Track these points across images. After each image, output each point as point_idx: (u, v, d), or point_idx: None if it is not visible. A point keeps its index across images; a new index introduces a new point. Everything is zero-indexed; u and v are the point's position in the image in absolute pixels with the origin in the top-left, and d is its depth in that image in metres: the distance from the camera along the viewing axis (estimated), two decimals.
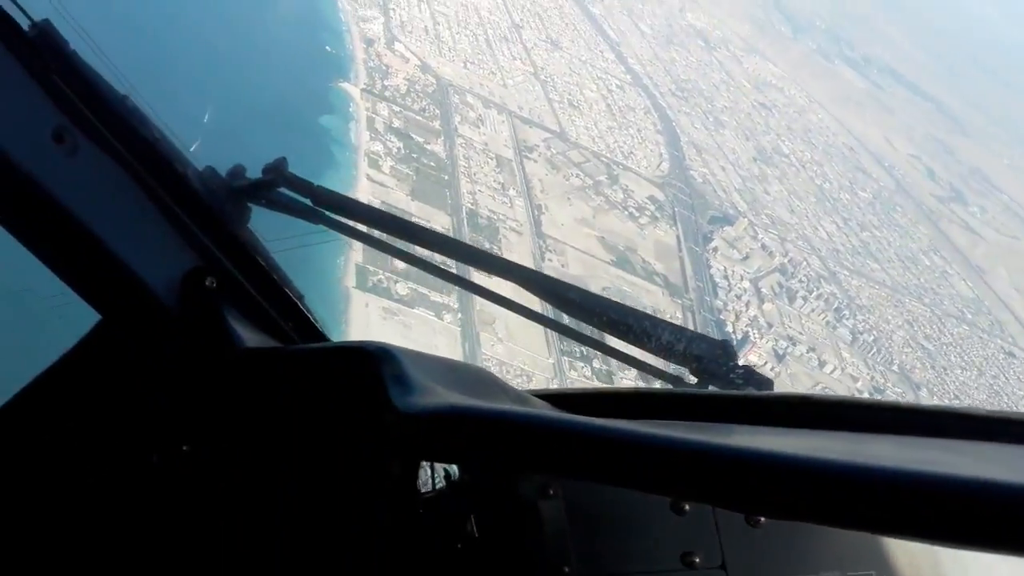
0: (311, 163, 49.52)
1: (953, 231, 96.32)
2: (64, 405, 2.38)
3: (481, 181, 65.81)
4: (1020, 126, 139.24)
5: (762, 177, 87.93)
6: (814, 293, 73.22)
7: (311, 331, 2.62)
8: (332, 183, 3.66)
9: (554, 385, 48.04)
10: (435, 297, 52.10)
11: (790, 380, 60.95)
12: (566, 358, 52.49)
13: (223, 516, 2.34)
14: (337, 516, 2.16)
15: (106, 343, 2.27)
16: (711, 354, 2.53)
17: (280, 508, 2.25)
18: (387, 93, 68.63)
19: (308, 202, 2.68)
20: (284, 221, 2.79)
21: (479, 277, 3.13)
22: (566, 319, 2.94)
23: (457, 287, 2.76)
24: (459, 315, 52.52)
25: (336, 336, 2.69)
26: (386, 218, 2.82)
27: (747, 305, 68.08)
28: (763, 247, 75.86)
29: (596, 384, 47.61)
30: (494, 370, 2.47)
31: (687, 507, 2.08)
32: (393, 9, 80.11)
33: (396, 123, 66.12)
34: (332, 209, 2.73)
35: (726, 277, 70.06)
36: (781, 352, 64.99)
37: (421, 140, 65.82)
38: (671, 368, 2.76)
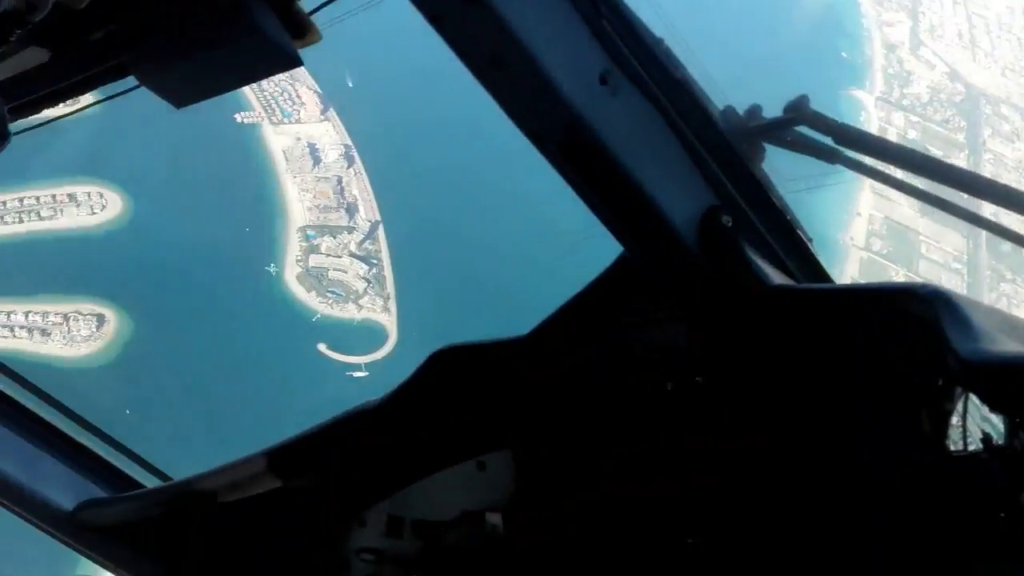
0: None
1: None
2: (586, 331, 2.59)
3: None
4: None
5: None
6: None
7: (819, 274, 2.63)
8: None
9: None
10: None
11: None
12: None
13: (730, 441, 2.47)
14: (863, 456, 2.17)
15: (625, 276, 2.43)
16: None
17: (790, 446, 2.32)
18: (905, 102, 64.80)
19: (828, 141, 2.56)
20: (793, 161, 2.68)
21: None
22: None
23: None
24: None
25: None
26: (918, 159, 2.60)
27: None
28: None
29: None
30: None
31: None
32: (923, 12, 74.89)
33: (912, 134, 62.26)
34: (856, 148, 2.58)
35: None
36: None
37: (940, 153, 60.78)
38: None
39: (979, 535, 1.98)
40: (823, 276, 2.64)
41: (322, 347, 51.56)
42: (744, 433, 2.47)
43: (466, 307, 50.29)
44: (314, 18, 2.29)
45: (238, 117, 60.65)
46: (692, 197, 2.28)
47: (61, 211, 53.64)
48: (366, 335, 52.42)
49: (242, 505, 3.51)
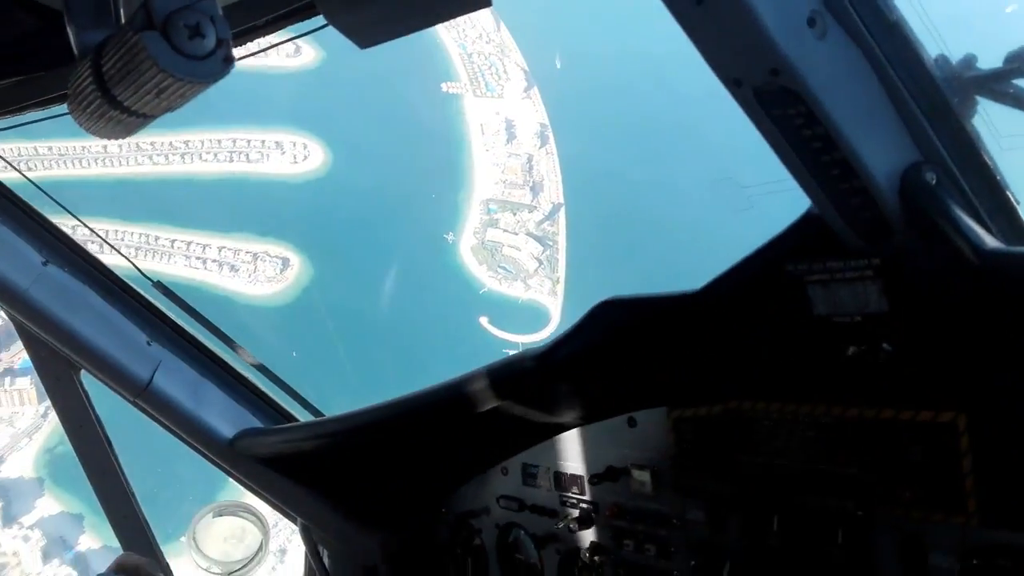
0: None
1: None
2: (762, 288, 2.44)
3: None
4: None
5: None
6: None
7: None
8: None
9: None
10: None
11: None
12: None
13: (911, 413, 2.37)
14: None
15: (811, 233, 2.27)
16: None
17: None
18: None
19: None
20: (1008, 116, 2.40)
21: None
22: None
23: None
24: None
25: None
26: None
27: None
28: None
29: None
30: None
31: None
32: None
33: None
34: None
35: None
36: None
37: None
38: None
39: None
40: None
41: (483, 320, 51.92)
42: (928, 406, 2.36)
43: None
44: None
45: (444, 86, 61.97)
46: (895, 151, 2.15)
47: (267, 156, 56.86)
48: (529, 315, 51.93)
49: (390, 444, 3.63)
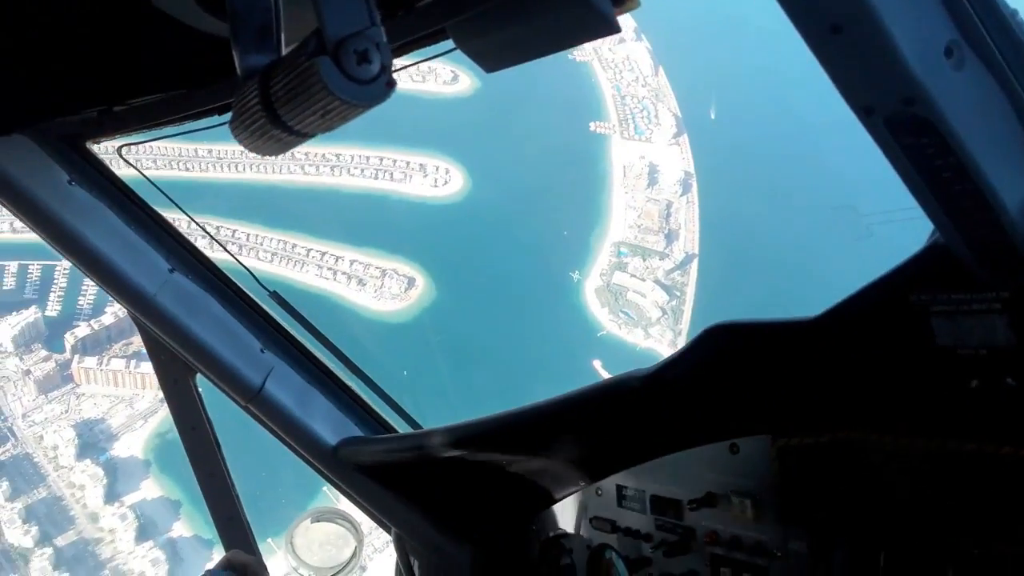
0: None
1: None
2: (882, 319, 2.39)
3: None
4: None
5: None
6: None
7: None
8: None
9: None
10: None
11: None
12: None
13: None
14: None
15: (936, 264, 2.23)
16: None
17: None
18: None
19: None
20: None
21: None
22: None
23: None
24: None
25: None
26: None
27: None
28: None
29: None
30: None
31: None
32: None
33: None
34: None
35: None
36: None
37: None
38: None
39: None
40: None
41: (597, 363, 50.77)
42: None
43: None
44: None
45: (593, 125, 62.04)
46: None
47: (410, 177, 58.29)
48: (644, 364, 49.79)
49: (486, 459, 3.70)
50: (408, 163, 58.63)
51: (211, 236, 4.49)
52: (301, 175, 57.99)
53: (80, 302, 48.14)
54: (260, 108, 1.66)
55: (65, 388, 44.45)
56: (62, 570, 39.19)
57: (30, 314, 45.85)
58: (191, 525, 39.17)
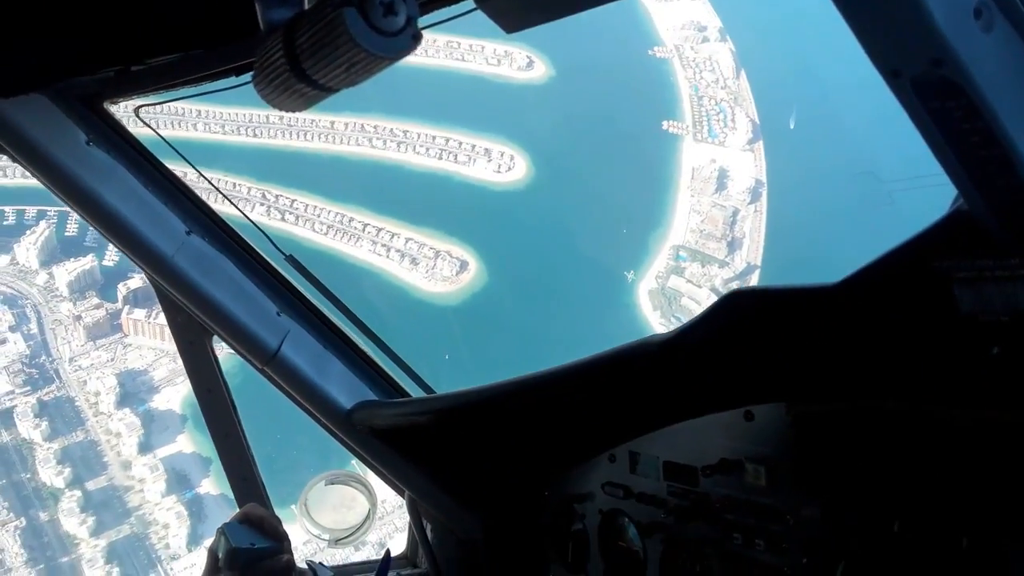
0: None
1: None
2: (905, 285, 2.36)
3: None
4: None
5: None
6: None
7: None
8: None
9: None
10: None
11: None
12: None
13: None
14: None
15: (960, 230, 2.19)
16: None
17: None
18: None
19: None
20: None
21: None
22: None
23: None
24: None
25: None
26: None
27: None
28: None
29: None
30: None
31: None
32: None
33: None
34: None
35: None
36: None
37: None
38: None
39: None
40: None
41: None
42: None
43: None
44: None
45: (665, 124, 60.73)
46: None
47: (474, 161, 57.87)
48: None
49: (500, 424, 3.68)
50: (474, 146, 58.16)
51: (226, 197, 4.36)
52: (368, 148, 58.04)
53: None
54: (284, 62, 1.64)
55: (113, 337, 45.32)
56: (89, 513, 40.01)
57: (87, 262, 46.81)
58: (219, 483, 39.51)
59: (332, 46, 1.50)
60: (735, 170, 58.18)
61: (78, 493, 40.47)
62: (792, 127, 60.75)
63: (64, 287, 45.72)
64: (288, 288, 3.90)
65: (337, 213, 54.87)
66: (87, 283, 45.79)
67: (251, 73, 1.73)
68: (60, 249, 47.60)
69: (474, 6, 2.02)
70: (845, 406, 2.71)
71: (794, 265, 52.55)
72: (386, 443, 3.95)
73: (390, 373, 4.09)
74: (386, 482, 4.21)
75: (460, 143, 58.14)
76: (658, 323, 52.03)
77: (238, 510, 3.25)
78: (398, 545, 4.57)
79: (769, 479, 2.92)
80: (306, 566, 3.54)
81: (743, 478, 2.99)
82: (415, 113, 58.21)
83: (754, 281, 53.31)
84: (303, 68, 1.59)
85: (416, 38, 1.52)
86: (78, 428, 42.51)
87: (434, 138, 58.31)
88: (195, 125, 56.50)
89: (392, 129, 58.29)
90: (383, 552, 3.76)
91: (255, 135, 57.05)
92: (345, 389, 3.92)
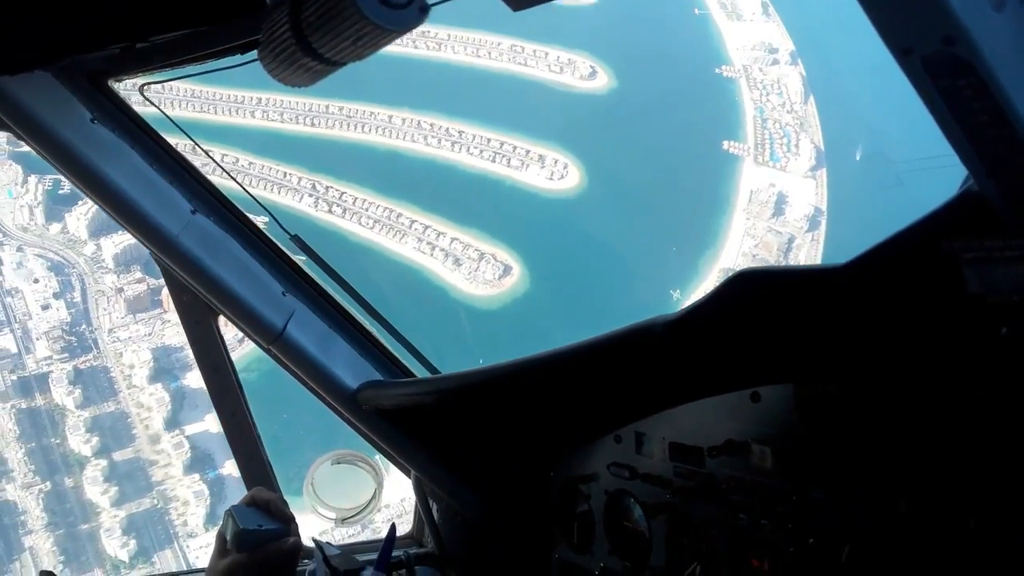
0: None
1: None
2: (913, 265, 2.35)
3: None
4: None
5: None
6: None
7: None
8: None
9: None
10: None
11: None
12: None
13: None
14: None
15: (969, 211, 2.18)
16: None
17: None
18: None
19: None
20: None
21: None
22: None
23: None
24: None
25: None
26: None
27: None
28: None
29: None
30: None
31: None
32: None
33: None
34: None
35: None
36: None
37: None
38: None
39: None
40: None
41: None
42: None
43: None
44: None
45: (726, 144, 59.62)
46: None
47: (527, 166, 57.43)
48: None
49: (505, 404, 3.68)
50: (528, 151, 57.75)
51: (231, 176, 4.28)
52: (423, 145, 57.99)
53: None
54: (290, 36, 1.62)
55: (152, 312, 45.79)
56: (112, 483, 40.38)
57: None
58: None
59: (339, 19, 1.48)
60: (794, 196, 56.91)
61: (104, 463, 40.95)
62: (858, 159, 59.18)
63: (110, 259, 46.34)
64: (293, 268, 3.90)
65: (386, 208, 54.83)
66: (132, 257, 46.27)
67: (256, 53, 1.72)
68: (109, 221, 48.12)
69: None
70: (852, 387, 2.70)
71: None
72: (392, 423, 3.95)
73: (395, 353, 4.11)
74: (392, 462, 4.23)
75: (515, 147, 57.79)
76: None
77: (246, 489, 3.34)
78: (404, 525, 4.58)
79: (775, 460, 2.91)
80: (313, 545, 3.59)
81: (749, 459, 2.99)
82: (472, 114, 58.08)
83: None
84: (309, 42, 1.56)
85: (423, 11, 1.51)
86: (110, 399, 43.03)
87: (489, 140, 58.04)
88: (253, 113, 57.09)
89: (448, 128, 58.22)
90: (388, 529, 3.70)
91: (313, 124, 57.40)
92: (351, 369, 3.93)
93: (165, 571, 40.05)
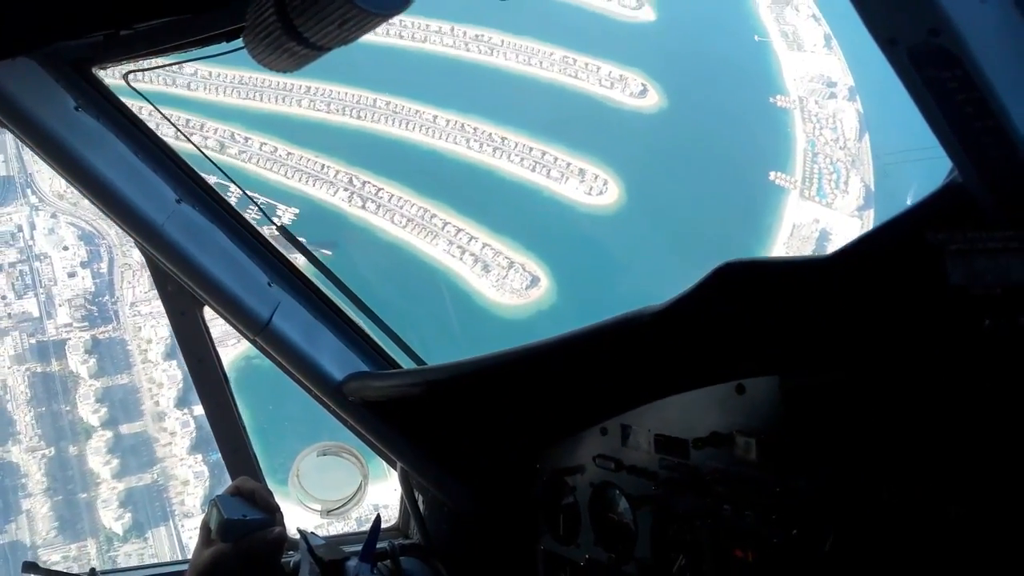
0: None
1: None
2: (897, 257, 2.35)
3: None
4: None
5: None
6: None
7: None
8: None
9: None
10: None
11: None
12: None
13: None
14: None
15: (953, 203, 2.19)
16: None
17: None
18: None
19: None
20: None
21: None
22: None
23: None
24: None
25: None
26: None
27: None
28: None
29: None
30: None
31: None
32: None
33: None
34: None
35: None
36: None
37: None
38: None
39: None
40: None
41: None
42: None
43: None
44: None
45: (772, 175, 58.44)
46: None
47: (567, 179, 56.85)
48: None
49: (491, 396, 3.71)
50: (569, 164, 57.12)
51: (216, 166, 4.22)
52: (465, 148, 57.74)
53: None
54: (276, 19, 1.62)
55: None
56: (115, 455, 40.52)
57: None
58: None
59: (324, 2, 1.49)
60: (838, 234, 55.34)
61: (109, 434, 41.10)
62: (908, 204, 57.83)
63: None
64: (279, 258, 3.90)
65: (420, 207, 54.55)
66: None
67: (242, 39, 1.73)
68: None
69: None
70: (836, 379, 2.71)
71: None
72: (377, 415, 3.97)
73: (381, 345, 4.12)
74: (378, 453, 4.24)
75: (556, 158, 57.22)
76: None
77: (231, 480, 3.33)
78: (389, 516, 4.61)
79: (760, 452, 2.92)
80: (298, 535, 3.53)
81: (734, 451, 3.00)
82: (517, 122, 57.76)
83: None
84: (295, 26, 1.56)
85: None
86: (124, 371, 43.24)
87: (531, 149, 57.55)
88: (300, 101, 57.30)
89: (492, 134, 57.86)
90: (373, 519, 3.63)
91: (359, 117, 57.46)
92: (337, 360, 3.94)
93: (156, 555, 39.92)
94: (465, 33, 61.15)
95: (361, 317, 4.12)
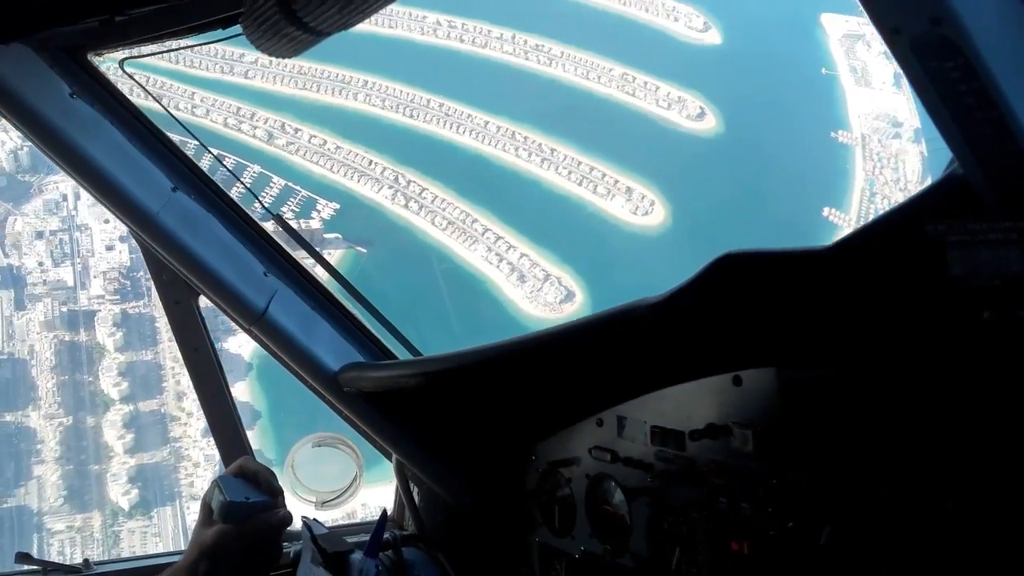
0: None
1: None
2: (898, 248, 2.33)
3: None
4: None
5: None
6: None
7: None
8: None
9: None
10: None
11: None
12: None
13: None
14: None
15: (954, 194, 2.18)
16: None
17: None
18: None
19: None
20: None
21: None
22: None
23: None
24: None
25: None
26: None
27: None
28: None
29: None
30: None
31: None
32: None
33: None
34: None
35: None
36: None
37: None
38: None
39: None
40: None
41: None
42: None
43: None
44: None
45: (826, 211, 57.15)
46: None
47: (612, 196, 56.10)
48: None
49: (486, 387, 3.71)
50: (616, 181, 56.33)
51: (211, 152, 4.17)
52: (513, 156, 57.34)
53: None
54: (275, 4, 1.60)
55: None
56: (130, 430, 40.75)
57: None
58: (259, 439, 39.40)
59: None
60: None
61: (127, 409, 41.44)
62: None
63: None
64: (276, 248, 3.88)
65: (463, 211, 54.21)
66: None
67: (238, 26, 1.72)
68: None
69: None
70: (834, 371, 2.69)
71: None
72: (373, 405, 3.97)
73: (378, 336, 4.12)
74: (373, 445, 4.26)
75: (604, 174, 56.48)
76: None
77: (223, 467, 3.32)
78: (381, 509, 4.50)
79: (756, 444, 2.91)
80: (300, 522, 3.49)
81: (730, 443, 2.99)
82: (568, 134, 57.23)
83: None
84: (294, 10, 1.54)
85: None
86: (149, 348, 43.55)
87: (580, 163, 56.91)
88: (356, 95, 57.48)
89: (541, 144, 57.37)
90: (379, 513, 3.61)
91: (412, 116, 57.43)
92: (333, 351, 3.93)
93: (160, 534, 39.98)
94: (526, 42, 60.82)
95: (358, 308, 4.14)
